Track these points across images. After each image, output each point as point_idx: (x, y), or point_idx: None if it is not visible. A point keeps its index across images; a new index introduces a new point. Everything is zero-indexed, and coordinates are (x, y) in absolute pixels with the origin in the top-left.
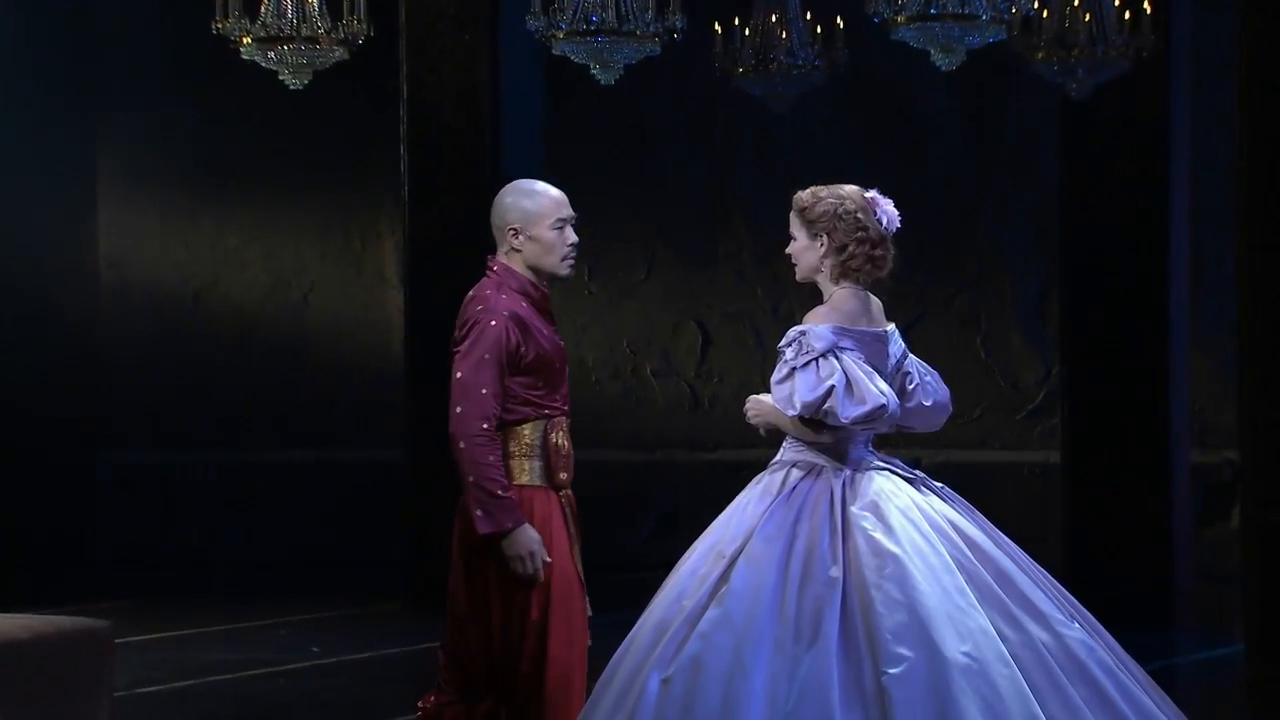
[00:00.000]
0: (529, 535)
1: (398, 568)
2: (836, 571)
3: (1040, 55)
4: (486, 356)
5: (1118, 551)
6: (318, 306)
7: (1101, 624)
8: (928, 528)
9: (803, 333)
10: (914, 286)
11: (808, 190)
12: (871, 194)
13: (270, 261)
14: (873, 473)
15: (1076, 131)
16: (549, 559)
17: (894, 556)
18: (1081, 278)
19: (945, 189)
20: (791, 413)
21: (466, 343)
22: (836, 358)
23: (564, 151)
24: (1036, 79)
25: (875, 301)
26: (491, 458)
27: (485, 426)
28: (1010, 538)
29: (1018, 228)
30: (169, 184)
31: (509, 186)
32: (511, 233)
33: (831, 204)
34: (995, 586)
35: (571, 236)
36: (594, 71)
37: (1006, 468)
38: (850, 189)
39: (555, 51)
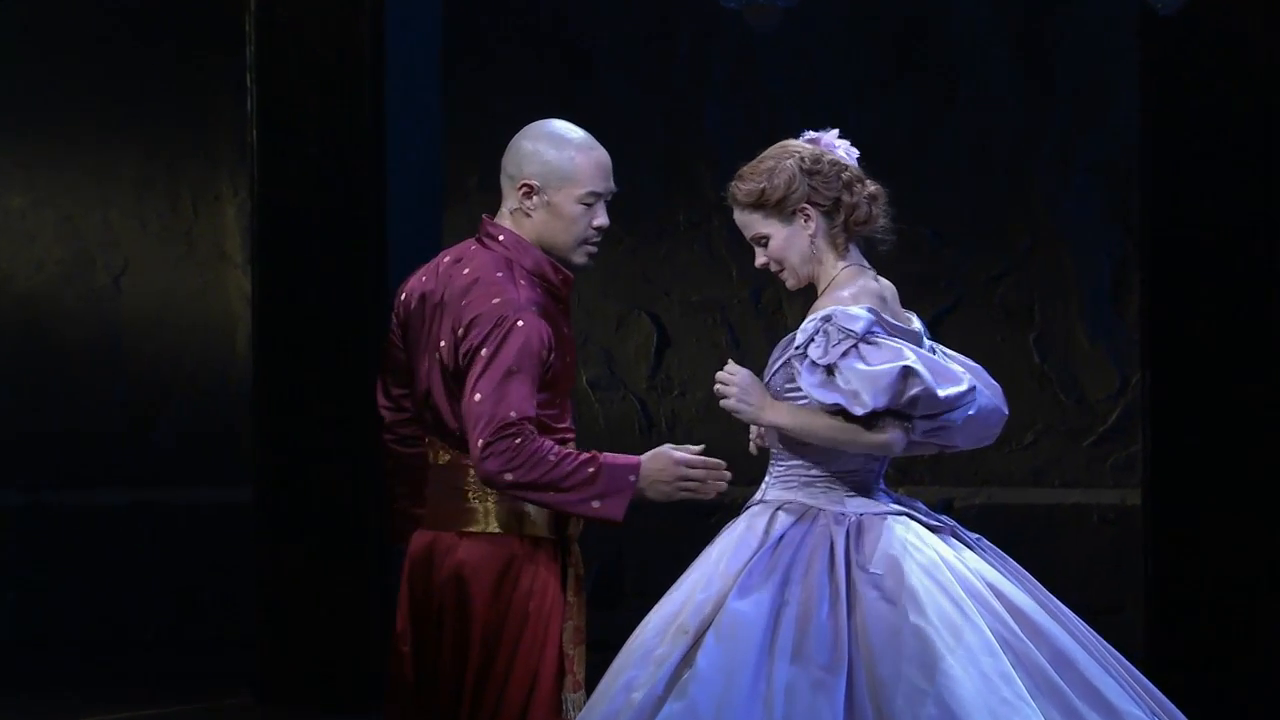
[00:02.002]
0: (666, 459)
1: (243, 647)
2: (839, 649)
3: None
4: (515, 369)
5: (1216, 626)
6: (134, 292)
7: None
8: (960, 593)
9: (827, 318)
10: (943, 267)
11: (743, 174)
12: (810, 135)
13: (68, 231)
14: (888, 519)
15: (1163, 58)
16: (721, 462)
17: (916, 630)
18: (1169, 255)
19: (986, 136)
20: (860, 410)
21: (486, 349)
22: (886, 338)
23: (469, 87)
24: None
25: (889, 286)
26: (552, 456)
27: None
28: (1071, 607)
29: (1084, 188)
30: None
31: (535, 127)
32: (524, 189)
33: (790, 165)
34: (1051, 672)
35: (601, 217)
36: None
37: (1068, 512)
38: (791, 142)
39: None
